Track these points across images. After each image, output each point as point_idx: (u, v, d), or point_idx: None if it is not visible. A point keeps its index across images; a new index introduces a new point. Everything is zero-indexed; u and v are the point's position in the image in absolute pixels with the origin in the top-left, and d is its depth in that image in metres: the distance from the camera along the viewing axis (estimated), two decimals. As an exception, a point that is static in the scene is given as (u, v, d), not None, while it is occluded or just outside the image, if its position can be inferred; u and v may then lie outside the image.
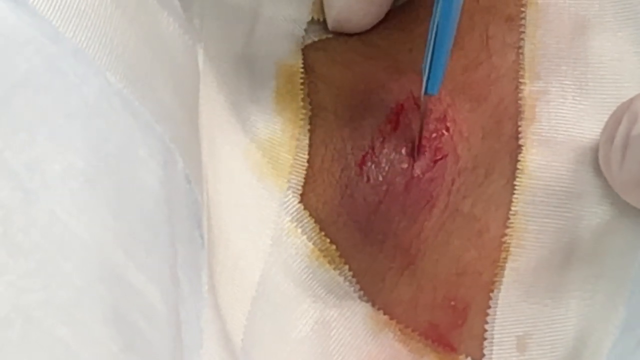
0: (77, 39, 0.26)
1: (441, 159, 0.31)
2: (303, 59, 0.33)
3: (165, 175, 0.27)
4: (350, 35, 0.33)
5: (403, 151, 0.31)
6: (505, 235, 0.31)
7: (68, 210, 0.24)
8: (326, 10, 0.32)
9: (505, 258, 0.30)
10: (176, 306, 0.27)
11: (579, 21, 0.31)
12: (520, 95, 0.31)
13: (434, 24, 0.28)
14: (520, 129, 0.31)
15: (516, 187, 0.31)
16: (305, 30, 0.33)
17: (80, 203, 0.25)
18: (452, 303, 0.31)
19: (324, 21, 0.33)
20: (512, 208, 0.31)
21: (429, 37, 0.28)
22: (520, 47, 0.32)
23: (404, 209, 0.31)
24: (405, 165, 0.31)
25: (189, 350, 0.27)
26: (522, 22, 0.32)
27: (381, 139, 0.31)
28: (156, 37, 0.29)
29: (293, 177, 0.32)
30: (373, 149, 0.31)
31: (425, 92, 0.29)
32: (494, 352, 0.31)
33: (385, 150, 0.31)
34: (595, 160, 0.30)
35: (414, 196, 0.31)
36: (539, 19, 0.31)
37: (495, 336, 0.31)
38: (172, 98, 0.29)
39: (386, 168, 0.31)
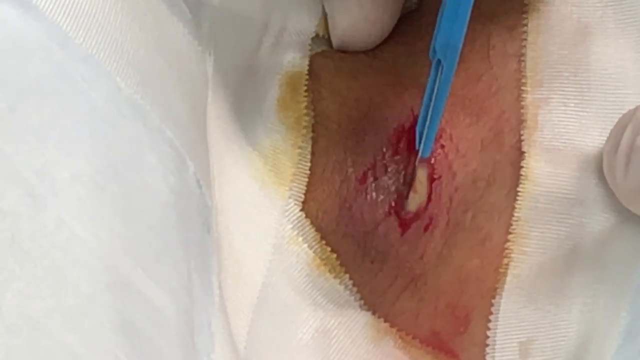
0: (86, 44, 0.26)
1: (437, 179, 0.31)
2: (309, 66, 0.33)
3: (175, 180, 0.27)
4: None
5: (401, 176, 0.31)
6: (508, 241, 0.30)
7: (76, 217, 0.24)
8: (331, 29, 0.33)
9: (507, 264, 0.30)
10: (188, 312, 0.26)
11: (581, 28, 0.31)
12: (522, 103, 0.31)
13: (431, 90, 0.28)
14: (522, 137, 0.31)
15: (519, 194, 0.30)
16: (310, 45, 0.33)
17: (88, 209, 0.24)
18: (454, 310, 0.31)
19: (329, 38, 0.33)
20: (515, 214, 0.30)
21: (425, 101, 0.28)
22: (522, 55, 0.31)
23: (403, 236, 0.31)
24: (401, 191, 0.31)
25: (200, 355, 0.27)
26: (524, 29, 0.32)
27: (382, 161, 0.31)
28: (166, 42, 0.29)
29: (295, 185, 0.32)
30: (374, 168, 0.31)
31: (421, 156, 0.30)
32: (496, 358, 0.30)
33: (385, 175, 0.31)
34: (597, 167, 0.30)
35: (413, 223, 0.31)
36: (540, 25, 0.31)
37: (498, 342, 0.30)
38: (182, 103, 0.29)
39: (384, 191, 0.31)
